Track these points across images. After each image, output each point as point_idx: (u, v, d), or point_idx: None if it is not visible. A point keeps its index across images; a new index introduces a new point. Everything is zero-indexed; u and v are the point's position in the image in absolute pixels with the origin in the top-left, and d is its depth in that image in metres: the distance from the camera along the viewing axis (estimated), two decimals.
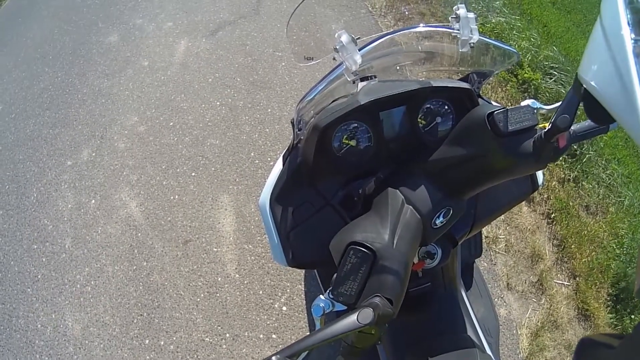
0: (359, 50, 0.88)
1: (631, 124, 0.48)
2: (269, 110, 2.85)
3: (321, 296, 0.68)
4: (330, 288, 0.68)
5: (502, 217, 2.36)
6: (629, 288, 2.15)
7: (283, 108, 2.86)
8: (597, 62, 0.54)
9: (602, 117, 0.55)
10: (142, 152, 2.69)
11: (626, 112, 0.48)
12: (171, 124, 2.82)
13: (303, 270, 2.15)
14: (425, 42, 1.01)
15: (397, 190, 0.80)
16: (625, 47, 0.49)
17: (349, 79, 0.91)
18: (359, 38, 0.90)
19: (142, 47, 3.39)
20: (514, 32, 3.24)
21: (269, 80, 3.03)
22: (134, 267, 2.22)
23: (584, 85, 0.57)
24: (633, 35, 0.50)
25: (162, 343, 1.98)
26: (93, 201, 2.49)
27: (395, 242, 0.71)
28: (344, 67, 0.88)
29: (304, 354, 0.56)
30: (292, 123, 0.96)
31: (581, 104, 0.61)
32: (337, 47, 0.88)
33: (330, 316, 0.66)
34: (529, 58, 3.04)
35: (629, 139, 2.96)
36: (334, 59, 0.91)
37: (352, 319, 0.57)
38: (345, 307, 0.67)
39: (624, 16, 0.51)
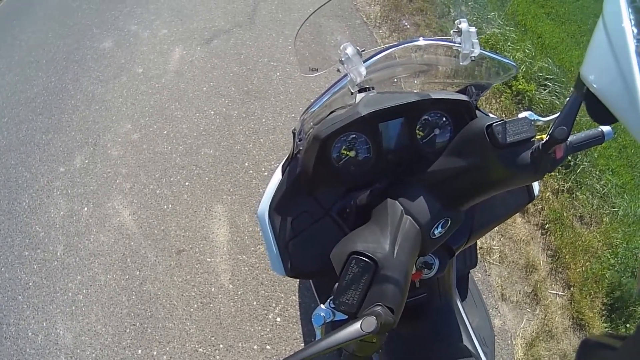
0: (364, 62, 0.90)
1: (633, 124, 0.49)
2: (264, 120, 2.88)
3: (322, 305, 0.69)
4: (332, 297, 0.69)
5: (496, 228, 2.37)
6: (623, 297, 2.18)
7: (277, 118, 2.89)
8: (600, 61, 0.55)
9: (604, 116, 0.56)
10: (135, 160, 2.70)
11: (628, 111, 0.49)
12: (165, 132, 2.84)
13: (297, 281, 2.16)
14: (424, 55, 1.04)
15: (396, 201, 0.81)
16: (627, 47, 0.50)
17: (352, 91, 0.93)
18: (363, 50, 0.92)
19: (137, 53, 3.42)
20: (509, 43, 3.30)
21: (263, 90, 3.07)
22: (127, 276, 2.22)
23: (586, 85, 0.57)
24: (635, 34, 0.50)
25: (155, 353, 1.99)
26: (85, 209, 2.50)
27: (395, 252, 0.73)
28: (349, 78, 0.91)
29: None
30: (294, 133, 0.98)
31: (579, 113, 0.62)
32: (343, 59, 0.90)
33: (329, 326, 0.68)
34: (524, 69, 3.10)
35: (622, 150, 3.01)
36: (338, 70, 0.93)
37: (355, 327, 0.59)
38: (345, 317, 0.68)
39: (626, 15, 0.52)
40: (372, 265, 0.70)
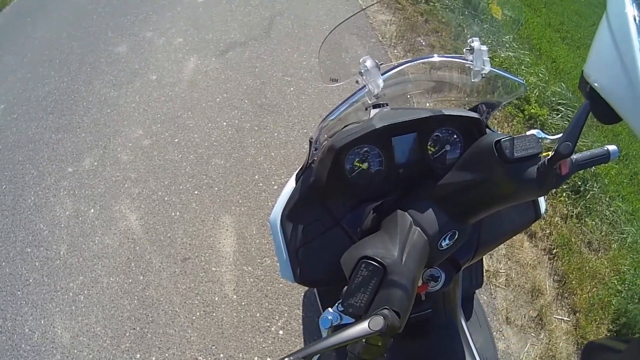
0: (382, 74, 0.98)
1: (637, 122, 0.51)
2: (275, 134, 2.96)
3: (330, 309, 0.73)
4: (340, 300, 0.73)
5: (503, 251, 2.42)
6: (629, 324, 2.19)
7: (290, 133, 2.97)
8: (604, 59, 0.57)
9: (608, 115, 0.58)
10: (145, 166, 2.78)
11: (632, 109, 0.51)
12: (176, 140, 2.93)
13: (301, 295, 2.20)
14: (436, 72, 1.11)
15: (406, 212, 0.86)
16: (632, 44, 0.51)
17: (369, 102, 1.01)
18: (382, 64, 1.00)
19: (151, 60, 3.53)
20: (522, 67, 3.38)
21: (276, 104, 3.16)
22: (130, 280, 2.27)
23: (590, 84, 0.59)
24: None
25: (153, 359, 2.02)
26: (92, 210, 2.56)
27: (404, 259, 0.77)
28: (367, 90, 0.98)
29: (315, 358, 0.61)
30: (310, 142, 1.03)
31: (585, 129, 0.64)
32: (362, 70, 0.98)
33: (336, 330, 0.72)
34: (537, 94, 3.16)
35: (634, 176, 3.05)
36: (357, 82, 1.01)
37: (363, 326, 0.62)
38: (352, 321, 0.72)
39: (630, 13, 0.53)
40: (380, 269, 0.74)
